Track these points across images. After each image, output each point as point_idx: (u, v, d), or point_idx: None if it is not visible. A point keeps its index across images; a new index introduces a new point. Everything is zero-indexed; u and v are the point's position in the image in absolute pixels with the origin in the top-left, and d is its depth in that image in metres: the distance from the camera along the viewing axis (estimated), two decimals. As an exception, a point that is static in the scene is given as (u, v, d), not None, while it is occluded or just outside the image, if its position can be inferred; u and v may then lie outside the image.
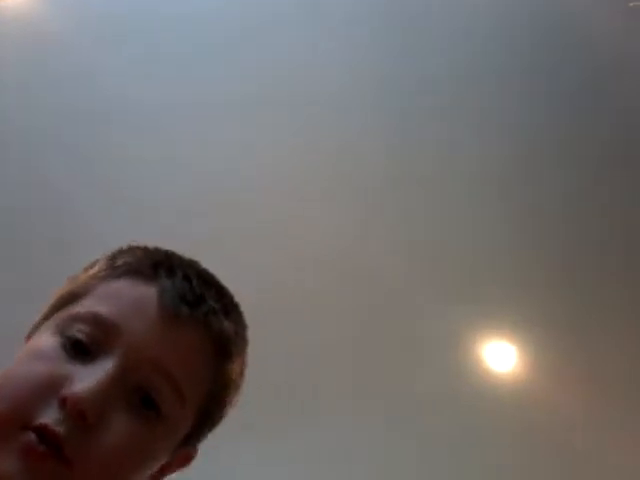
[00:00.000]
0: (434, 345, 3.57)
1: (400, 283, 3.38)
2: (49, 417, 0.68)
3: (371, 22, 2.78)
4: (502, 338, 3.55)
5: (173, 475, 0.81)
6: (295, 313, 3.49)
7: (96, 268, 0.82)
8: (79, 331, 0.74)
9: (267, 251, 3.33)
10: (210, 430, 0.83)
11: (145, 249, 0.84)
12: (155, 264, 0.80)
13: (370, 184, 3.16)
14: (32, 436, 0.68)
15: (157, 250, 0.85)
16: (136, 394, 0.73)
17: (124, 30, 2.85)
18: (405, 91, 2.93)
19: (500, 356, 3.62)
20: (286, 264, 3.38)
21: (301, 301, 3.48)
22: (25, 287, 3.35)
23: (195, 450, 0.83)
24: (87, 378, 0.70)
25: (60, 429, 0.68)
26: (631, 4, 2.59)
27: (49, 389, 0.70)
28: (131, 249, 0.84)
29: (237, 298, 0.84)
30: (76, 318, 0.75)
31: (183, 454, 0.80)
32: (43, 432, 0.68)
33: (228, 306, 0.82)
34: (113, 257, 0.83)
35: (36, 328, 0.80)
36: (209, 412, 0.81)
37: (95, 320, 0.75)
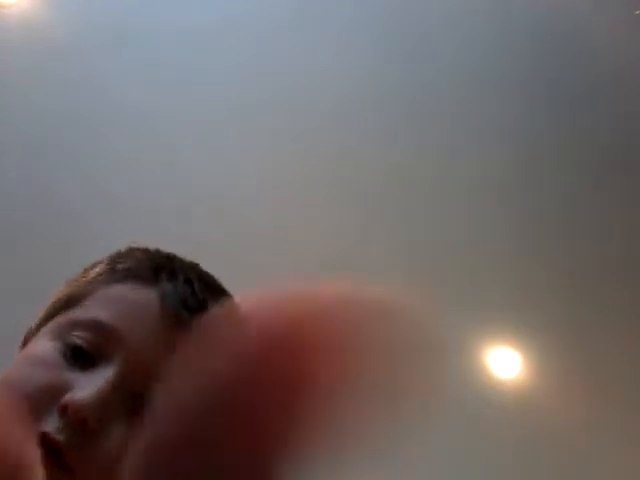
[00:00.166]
0: (433, 345, 3.56)
1: (401, 286, 3.38)
2: (50, 425, 0.68)
3: (371, 28, 2.79)
4: (505, 344, 3.55)
5: None
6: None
7: (96, 271, 0.81)
8: (79, 337, 0.73)
9: (267, 254, 3.33)
10: None
11: (146, 252, 0.83)
12: (156, 268, 0.79)
13: (370, 189, 3.17)
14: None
15: (158, 253, 0.83)
16: (137, 401, 0.72)
17: (126, 36, 2.86)
18: (405, 96, 2.93)
19: (503, 363, 3.61)
20: (286, 267, 3.39)
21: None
22: (25, 287, 3.35)
23: None
24: (88, 385, 0.70)
25: (61, 437, 0.67)
26: (637, 12, 2.59)
27: (50, 396, 0.69)
28: (131, 252, 0.83)
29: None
30: (76, 323, 0.74)
31: None
32: (45, 442, 0.67)
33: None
34: (113, 260, 0.81)
35: (34, 332, 0.79)
36: None
37: (95, 325, 0.74)
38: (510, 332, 3.52)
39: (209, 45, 2.86)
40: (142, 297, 0.76)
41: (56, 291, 0.82)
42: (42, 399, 0.69)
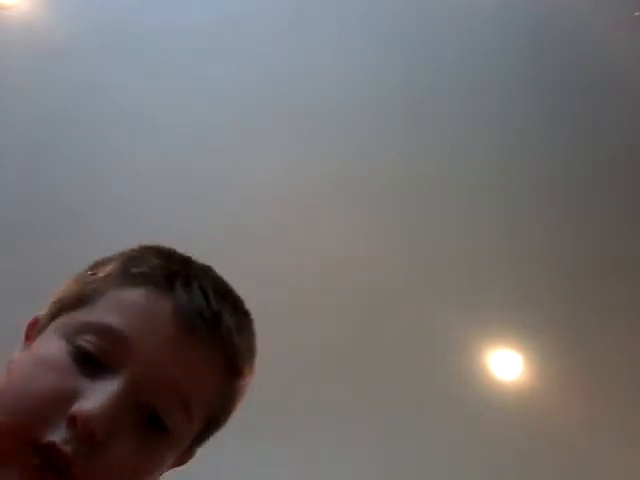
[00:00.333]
0: (434, 346, 3.57)
1: (402, 284, 3.38)
2: (57, 435, 0.67)
3: (371, 28, 2.79)
4: (506, 346, 3.55)
5: (172, 474, 0.81)
6: (295, 313, 3.49)
7: (108, 270, 0.78)
8: (88, 342, 0.72)
9: (267, 253, 3.34)
10: (212, 435, 0.82)
11: (160, 254, 0.80)
12: (171, 275, 0.77)
13: (370, 189, 3.17)
14: (40, 460, 0.66)
15: (172, 256, 0.81)
16: (144, 411, 0.71)
17: (126, 37, 2.86)
18: (405, 96, 2.93)
19: (505, 364, 3.61)
20: (286, 265, 3.39)
21: (301, 302, 3.48)
22: (25, 287, 3.36)
23: (193, 453, 0.82)
24: (96, 395, 0.68)
25: (68, 448, 0.66)
26: (637, 13, 2.59)
27: (57, 404, 0.68)
28: (145, 253, 0.80)
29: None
30: (85, 327, 0.73)
31: (181, 456, 0.80)
32: (51, 451, 0.66)
33: (243, 322, 0.80)
34: (126, 262, 0.79)
35: (42, 326, 0.77)
36: (215, 422, 0.80)
37: (105, 332, 0.72)
38: (510, 332, 3.52)
39: (209, 45, 2.86)
40: (155, 305, 0.74)
41: (65, 284, 0.81)
42: (50, 406, 0.68)
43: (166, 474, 0.78)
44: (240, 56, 2.88)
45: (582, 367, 3.58)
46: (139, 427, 0.71)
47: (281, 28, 2.81)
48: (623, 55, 2.72)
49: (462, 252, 3.30)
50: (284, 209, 3.24)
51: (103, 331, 0.72)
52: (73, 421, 0.67)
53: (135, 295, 0.74)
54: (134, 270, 0.77)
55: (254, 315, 0.84)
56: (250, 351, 0.81)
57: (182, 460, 0.81)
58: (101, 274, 0.78)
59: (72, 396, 0.68)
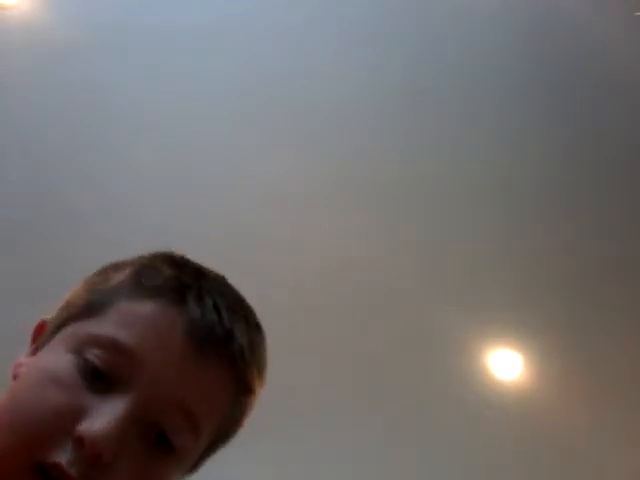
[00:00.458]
0: (434, 346, 3.57)
1: (402, 284, 3.39)
2: (63, 457, 0.65)
3: (371, 28, 2.79)
4: (506, 346, 3.55)
5: None
6: (295, 313, 3.50)
7: (118, 278, 0.76)
8: (96, 356, 0.70)
9: (267, 253, 3.34)
10: (220, 449, 0.81)
11: (173, 264, 0.78)
12: (183, 287, 0.75)
13: (370, 189, 3.17)
14: None
15: (185, 267, 0.79)
16: (151, 430, 0.70)
17: (126, 37, 2.86)
18: (405, 96, 2.93)
19: (505, 364, 3.61)
20: (286, 265, 3.39)
21: (301, 302, 3.49)
22: (25, 287, 3.36)
23: (198, 468, 0.81)
24: (103, 415, 0.67)
25: (73, 470, 0.65)
26: (637, 13, 2.59)
27: (63, 423, 0.66)
28: (158, 263, 0.78)
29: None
30: (94, 340, 0.71)
31: (186, 472, 0.78)
32: (56, 472, 0.65)
33: (255, 338, 0.78)
34: (138, 272, 0.76)
35: (49, 334, 0.75)
36: (224, 438, 0.79)
37: (114, 346, 0.70)
38: (510, 332, 3.52)
39: (209, 45, 2.86)
40: (166, 321, 0.72)
41: (73, 289, 0.79)
42: (55, 424, 0.66)
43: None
44: (240, 56, 2.88)
45: (582, 367, 3.58)
46: (146, 446, 0.69)
47: (281, 28, 2.80)
48: (623, 55, 2.72)
49: (462, 252, 3.30)
50: (284, 209, 3.24)
51: (112, 346, 0.70)
52: (80, 442, 0.66)
53: (146, 309, 0.73)
54: (146, 282, 0.75)
55: (255, 315, 0.84)
56: (261, 367, 0.79)
57: (185, 475, 0.80)
58: (111, 282, 0.76)
59: (79, 414, 0.67)
